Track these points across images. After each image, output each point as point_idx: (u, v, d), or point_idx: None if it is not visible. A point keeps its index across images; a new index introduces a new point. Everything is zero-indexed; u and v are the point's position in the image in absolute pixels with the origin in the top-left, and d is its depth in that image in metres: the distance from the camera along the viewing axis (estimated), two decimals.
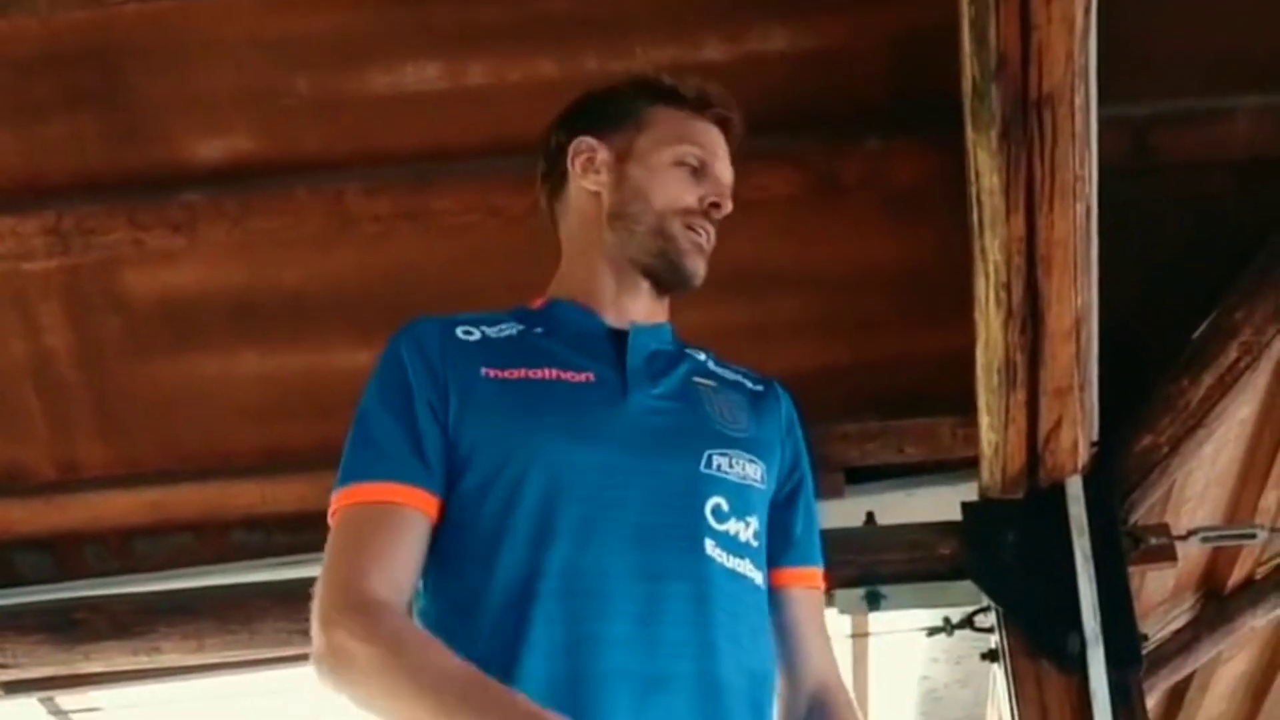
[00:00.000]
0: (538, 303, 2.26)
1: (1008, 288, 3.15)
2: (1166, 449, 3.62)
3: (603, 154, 2.25)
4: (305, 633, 3.75)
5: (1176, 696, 5.52)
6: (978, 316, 3.27)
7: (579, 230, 2.28)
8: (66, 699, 4.58)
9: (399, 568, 1.97)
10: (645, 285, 2.21)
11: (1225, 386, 3.54)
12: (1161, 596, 4.75)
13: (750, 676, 2.03)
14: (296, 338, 3.75)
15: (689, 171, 2.22)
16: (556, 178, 2.32)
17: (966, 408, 3.54)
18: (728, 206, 2.24)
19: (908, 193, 3.55)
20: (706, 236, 2.21)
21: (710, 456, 2.08)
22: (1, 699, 4.17)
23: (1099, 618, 3.47)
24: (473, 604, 1.96)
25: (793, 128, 3.46)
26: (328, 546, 2.02)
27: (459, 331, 2.15)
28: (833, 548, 3.55)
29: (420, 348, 2.11)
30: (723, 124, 2.31)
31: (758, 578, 2.09)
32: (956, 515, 3.70)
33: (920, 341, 3.71)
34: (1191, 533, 3.84)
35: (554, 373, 2.09)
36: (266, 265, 3.65)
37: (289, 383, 3.80)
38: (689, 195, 2.21)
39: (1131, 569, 3.72)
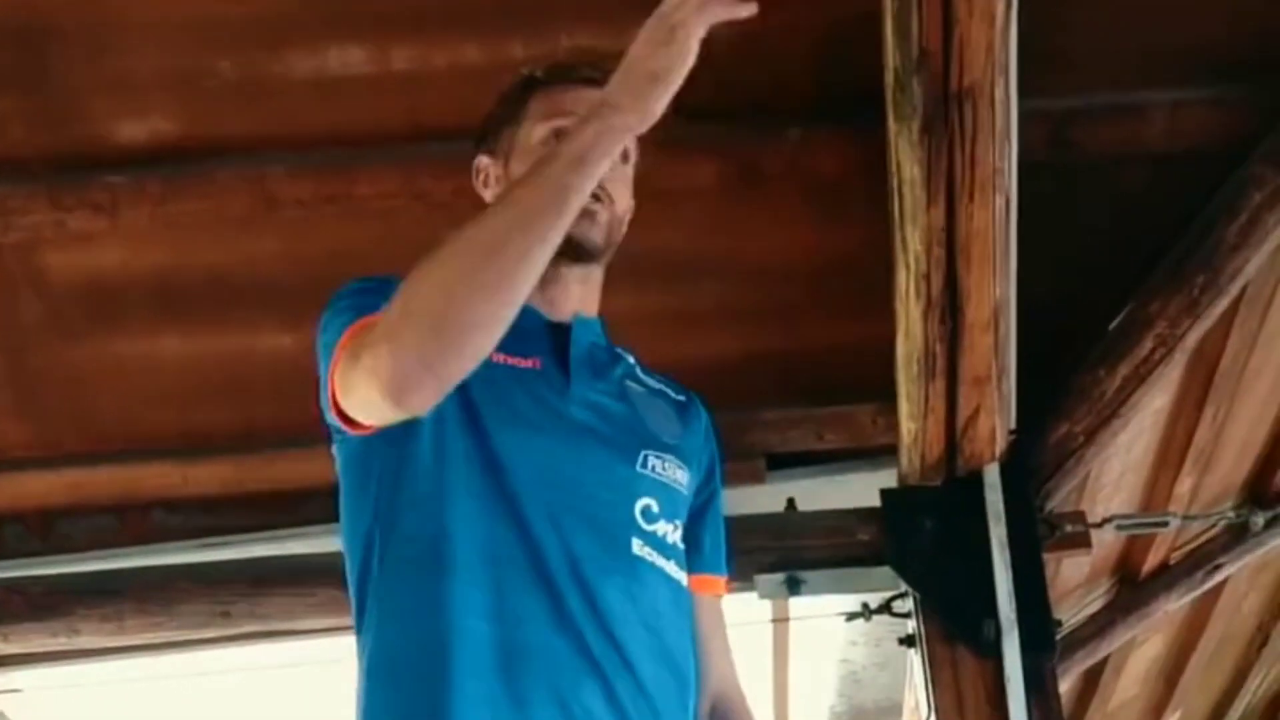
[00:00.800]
0: None
1: (927, 278, 3.19)
2: (1082, 438, 3.67)
3: (493, 168, 2.29)
4: (226, 615, 3.79)
5: (1091, 679, 5.58)
6: (898, 306, 3.30)
7: None
8: None
9: None
10: (559, 269, 2.17)
11: (1140, 377, 3.59)
12: (1077, 581, 4.80)
13: (675, 672, 2.08)
14: (219, 320, 3.74)
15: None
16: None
17: (887, 396, 3.58)
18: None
19: (830, 183, 3.57)
20: (595, 200, 2.14)
21: (646, 457, 2.13)
22: None
23: (1014, 604, 3.51)
24: (418, 555, 2.01)
25: (715, 118, 3.46)
26: (342, 360, 2.00)
27: None
28: (753, 533, 3.62)
29: (383, 293, 2.07)
30: (594, 83, 2.25)
31: (683, 579, 2.14)
32: (876, 502, 3.74)
33: (841, 330, 3.74)
34: (1106, 520, 3.90)
35: (502, 357, 2.09)
36: (189, 248, 3.63)
37: (211, 365, 3.79)
38: None
39: (1047, 555, 3.78)
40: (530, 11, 3.34)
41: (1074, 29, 3.38)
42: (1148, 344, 3.56)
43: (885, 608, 3.81)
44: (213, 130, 3.50)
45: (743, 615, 3.78)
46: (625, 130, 1.89)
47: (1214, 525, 4.63)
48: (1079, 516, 3.81)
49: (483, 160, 2.31)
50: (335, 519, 2.20)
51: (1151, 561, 4.87)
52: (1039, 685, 3.50)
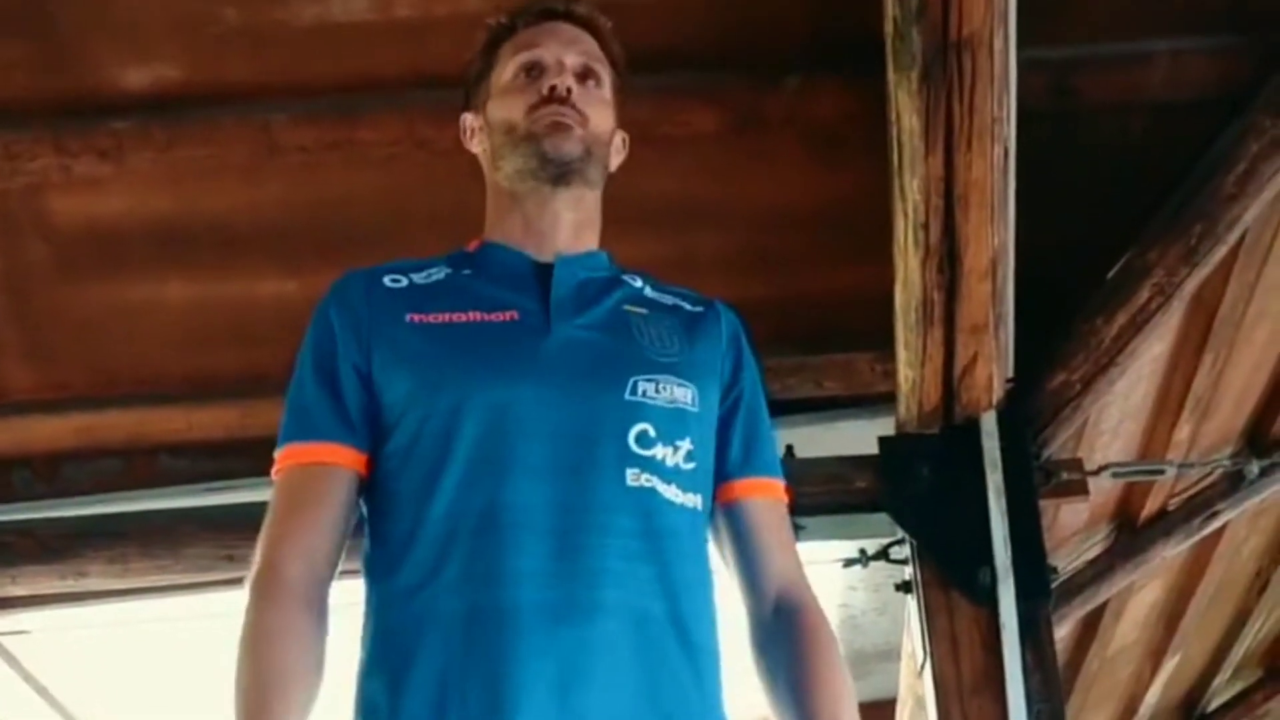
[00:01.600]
0: (473, 245, 2.27)
1: (926, 227, 3.20)
2: (1080, 386, 3.68)
3: (474, 121, 2.31)
4: (230, 558, 3.82)
5: (1091, 624, 5.63)
6: (896, 255, 3.32)
7: (488, 186, 2.30)
8: None
9: (314, 532, 2.04)
10: (544, 195, 2.20)
11: (1138, 326, 3.60)
12: (1076, 527, 4.83)
13: (676, 600, 2.03)
14: (223, 266, 3.77)
15: (528, 78, 2.23)
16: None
17: (885, 344, 3.60)
18: (568, 81, 2.21)
19: (829, 131, 3.59)
20: (565, 115, 2.18)
21: (636, 383, 2.08)
22: None
23: (1010, 551, 3.54)
24: (400, 549, 2.01)
25: (715, 65, 3.50)
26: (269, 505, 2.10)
27: (387, 280, 2.17)
28: None
29: (345, 303, 2.15)
30: (555, 16, 2.30)
31: (690, 501, 2.09)
32: (874, 449, 3.76)
33: (840, 278, 3.76)
34: (1103, 468, 3.93)
35: (477, 315, 2.11)
36: (193, 193, 3.66)
37: (215, 310, 3.82)
38: (531, 95, 2.21)
39: (1045, 502, 3.80)
40: None
41: None
42: (1145, 292, 3.57)
43: (882, 554, 3.84)
44: (217, 77, 3.52)
45: None
46: None
47: (1211, 473, 4.65)
48: (1076, 464, 3.83)
49: (466, 118, 2.33)
50: None
51: (1150, 508, 4.90)
52: (1034, 632, 3.54)
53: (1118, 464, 4.04)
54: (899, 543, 3.77)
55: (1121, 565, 5.02)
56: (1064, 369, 3.68)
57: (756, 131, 3.59)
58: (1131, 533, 5.01)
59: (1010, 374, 3.64)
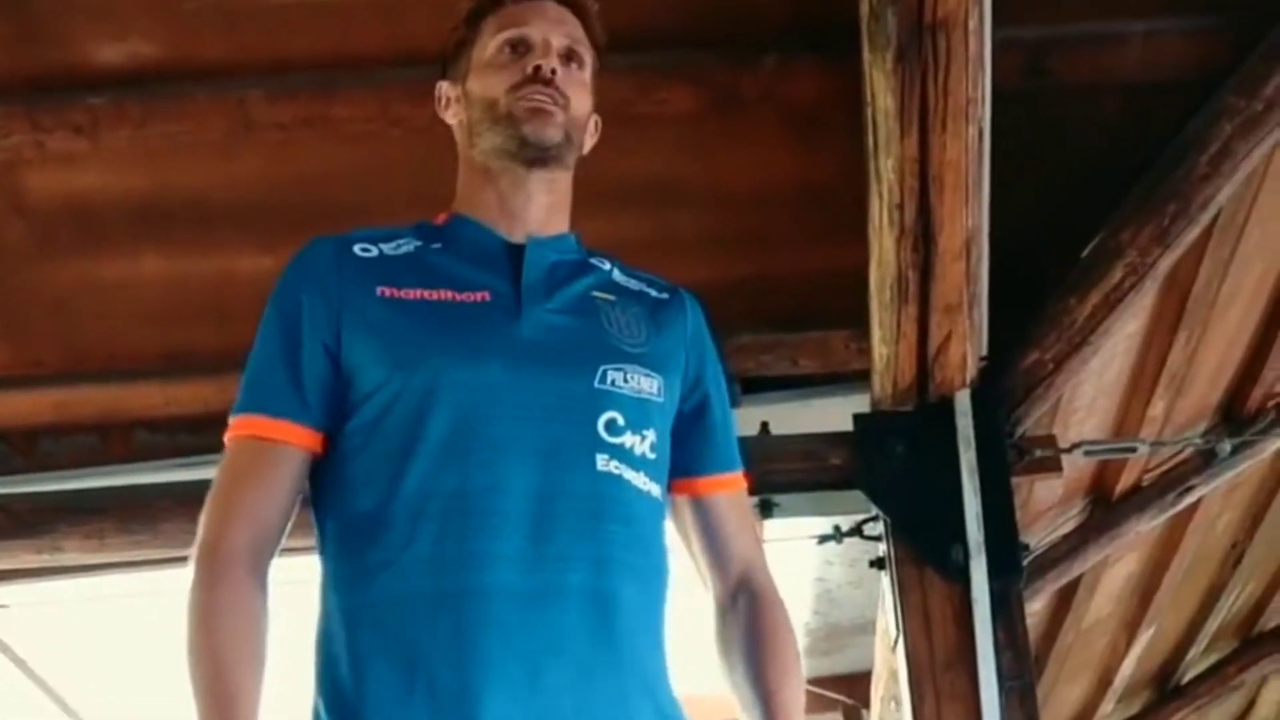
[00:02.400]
0: (441, 217, 2.26)
1: (901, 207, 3.22)
2: (1053, 365, 3.70)
3: (451, 91, 2.29)
4: None
5: (1065, 597, 5.66)
6: (871, 234, 3.33)
7: (460, 158, 2.29)
8: None
9: (260, 508, 2.05)
10: (520, 176, 2.19)
11: (1110, 305, 3.62)
12: (1050, 502, 4.86)
13: (642, 587, 2.06)
14: (199, 242, 3.77)
15: (512, 55, 2.22)
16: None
17: (860, 322, 3.62)
18: (553, 63, 2.20)
19: (806, 110, 3.59)
20: (548, 98, 2.18)
21: (605, 372, 2.09)
22: None
23: (982, 529, 3.56)
24: (366, 526, 2.00)
25: (693, 44, 3.51)
26: (214, 476, 2.10)
27: (356, 249, 2.16)
28: None
29: (312, 271, 2.13)
30: None
31: (654, 490, 2.11)
32: (849, 426, 3.78)
33: (816, 256, 3.77)
34: (1075, 445, 3.94)
35: (449, 294, 2.10)
36: (169, 170, 3.65)
37: (192, 286, 3.82)
38: (514, 73, 2.20)
39: (1019, 479, 3.83)
40: None
41: None
42: (1118, 272, 3.59)
43: (856, 531, 3.86)
44: (192, 53, 3.51)
45: None
46: None
47: (1183, 450, 4.68)
48: (1049, 441, 3.85)
49: (443, 86, 2.32)
50: None
51: (1124, 483, 4.93)
52: (1005, 609, 3.56)
53: (1090, 442, 4.06)
54: (873, 519, 3.79)
55: (1096, 539, 5.06)
56: (1037, 348, 3.70)
57: (734, 111, 3.59)
58: (1106, 507, 5.04)
59: (984, 352, 3.66)
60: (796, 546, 4.37)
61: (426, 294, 2.11)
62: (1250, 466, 4.96)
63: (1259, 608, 6.88)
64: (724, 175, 3.70)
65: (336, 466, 2.07)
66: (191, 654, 1.97)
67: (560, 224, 2.26)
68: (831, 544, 4.13)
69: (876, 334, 3.53)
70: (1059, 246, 3.69)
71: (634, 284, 2.27)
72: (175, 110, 3.55)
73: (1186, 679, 7.13)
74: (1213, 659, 7.09)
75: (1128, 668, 6.52)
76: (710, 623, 2.20)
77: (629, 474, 2.07)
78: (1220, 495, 5.42)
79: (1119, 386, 4.53)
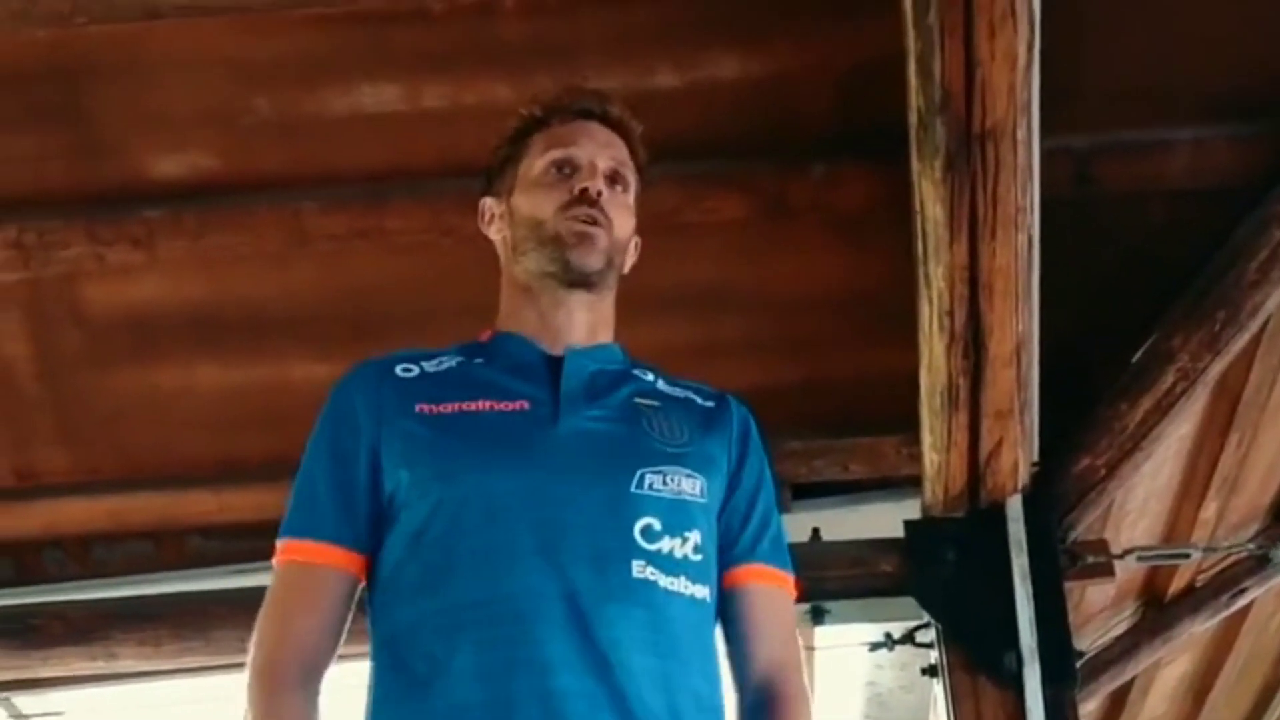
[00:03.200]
0: (485, 335, 2.29)
1: (951, 314, 3.23)
2: (1104, 470, 3.69)
3: (496, 206, 2.32)
4: None
5: (1119, 698, 5.60)
6: (921, 341, 3.35)
7: (503, 273, 2.33)
8: (27, 702, 4.63)
9: (311, 634, 2.10)
10: (561, 296, 2.22)
11: (1162, 410, 3.62)
12: (1103, 604, 4.83)
13: (679, 693, 2.05)
14: (254, 351, 3.82)
15: (559, 175, 2.24)
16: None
17: (911, 427, 3.62)
18: (599, 185, 2.23)
19: (854, 217, 3.62)
20: (593, 221, 2.21)
21: (643, 475, 2.10)
22: None
23: (1035, 635, 3.54)
24: (411, 637, 2.03)
25: (742, 153, 3.55)
26: (265, 598, 2.15)
27: (398, 370, 2.20)
28: None
29: (355, 394, 2.17)
30: (591, 116, 2.31)
31: (699, 592, 2.10)
32: (900, 532, 3.77)
33: (866, 362, 3.78)
34: (1128, 551, 3.93)
35: (487, 404, 2.13)
36: (225, 280, 3.71)
37: (246, 395, 3.86)
38: (562, 193, 2.22)
39: (1071, 583, 3.81)
40: (558, 51, 3.41)
41: (1096, 67, 3.43)
42: (1169, 377, 3.59)
43: (908, 638, 3.85)
44: (248, 166, 3.58)
45: None
46: None
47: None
48: (1101, 546, 3.84)
49: (486, 201, 2.35)
50: None
51: (1177, 585, 4.89)
52: (1059, 715, 3.53)
53: (1143, 548, 4.05)
54: (925, 626, 3.78)
55: (1149, 641, 5.01)
56: (1089, 453, 3.69)
57: (782, 218, 3.63)
58: (1159, 609, 5.00)
59: (1035, 458, 3.65)
60: (846, 654, 4.35)
61: (464, 406, 2.14)
62: None
63: None
64: (773, 281, 3.73)
65: (384, 579, 2.10)
66: None
67: (604, 337, 2.28)
68: (885, 648, 4.11)
69: (927, 440, 3.54)
70: (1108, 351, 3.70)
71: (679, 391, 2.29)
72: (231, 222, 3.62)
73: None
74: None
75: None
76: None
77: (666, 580, 2.07)
78: (1274, 596, 5.35)
79: (1171, 490, 4.51)
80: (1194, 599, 4.90)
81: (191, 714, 4.60)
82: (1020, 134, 2.95)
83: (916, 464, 3.69)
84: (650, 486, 2.10)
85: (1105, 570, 3.81)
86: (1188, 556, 4.16)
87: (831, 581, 3.75)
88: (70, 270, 3.67)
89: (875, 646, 3.97)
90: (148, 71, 3.46)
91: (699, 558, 2.11)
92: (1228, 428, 4.23)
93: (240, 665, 3.94)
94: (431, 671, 1.99)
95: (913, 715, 5.11)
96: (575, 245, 2.19)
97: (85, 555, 4.10)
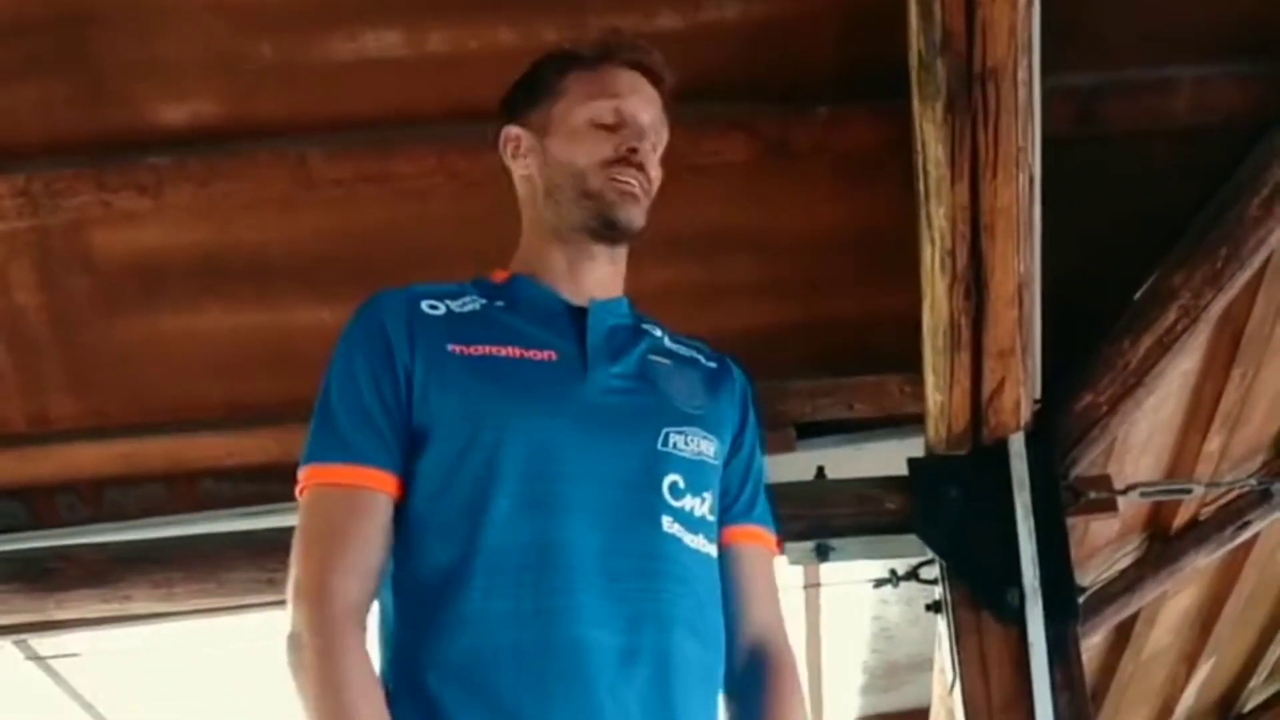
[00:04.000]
0: (500, 276, 2.29)
1: (952, 254, 3.25)
2: (1106, 407, 3.70)
3: (526, 139, 2.30)
4: (271, 582, 3.88)
5: (1124, 630, 5.64)
6: (924, 281, 3.36)
7: (525, 211, 2.32)
8: (43, 644, 4.68)
9: (365, 556, 2.04)
10: (594, 249, 2.23)
11: (1164, 347, 3.62)
12: (1108, 538, 4.86)
13: (703, 648, 2.10)
14: (260, 296, 3.83)
15: (604, 127, 2.23)
16: (505, 166, 2.37)
17: (914, 366, 3.64)
18: (647, 147, 2.24)
19: (858, 159, 3.62)
20: (637, 183, 2.21)
21: (668, 434, 2.13)
22: None
23: (1038, 572, 3.56)
24: (441, 580, 2.03)
25: (746, 95, 3.55)
26: (299, 526, 2.09)
27: (424, 305, 2.18)
28: (783, 501, 3.65)
29: (385, 319, 2.15)
30: (636, 66, 2.30)
31: (712, 551, 2.15)
32: (904, 470, 3.79)
33: (869, 302, 3.79)
34: (1131, 487, 3.94)
35: (517, 351, 2.14)
36: (231, 226, 3.72)
37: (253, 339, 3.88)
38: (606, 148, 2.21)
39: (1075, 519, 3.83)
40: None
41: (1097, 6, 3.43)
42: (1171, 314, 3.60)
43: (912, 575, 3.88)
44: (252, 112, 3.58)
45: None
46: None
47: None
48: (1104, 482, 3.85)
49: (513, 130, 2.32)
50: None
51: (1181, 518, 4.92)
52: (1062, 651, 3.56)
53: (1145, 484, 4.06)
54: (928, 563, 3.81)
55: (1154, 574, 5.04)
56: (1091, 390, 3.70)
57: (787, 160, 3.63)
58: (1164, 542, 5.03)
59: (1038, 396, 3.67)
60: (851, 590, 4.39)
61: (493, 350, 2.14)
62: None
63: None
64: (777, 223, 3.74)
65: (407, 520, 2.09)
66: (319, 702, 1.96)
67: (617, 288, 2.30)
68: (890, 584, 4.15)
69: (930, 380, 3.55)
70: (1111, 290, 3.71)
71: (685, 350, 2.31)
72: (236, 168, 3.62)
73: (1248, 708, 7.09)
74: (1274, 688, 7.04)
75: (1188, 698, 6.50)
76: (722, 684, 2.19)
77: (689, 536, 2.11)
78: (1278, 528, 5.39)
79: (1174, 424, 4.53)
80: (1198, 532, 4.93)
81: (204, 652, 4.66)
82: (1021, 73, 2.96)
83: (920, 403, 3.71)
84: (674, 445, 2.13)
85: (1108, 506, 3.83)
86: (1190, 491, 4.18)
87: (836, 519, 3.77)
88: (78, 218, 3.68)
89: (880, 583, 4.00)
90: (151, 18, 3.45)
91: (711, 518, 2.16)
92: (1230, 363, 4.25)
93: (252, 605, 4.02)
94: (465, 615, 2.01)
95: (919, 649, 5.18)
96: (619, 203, 2.20)
97: (98, 499, 4.12)
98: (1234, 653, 6.54)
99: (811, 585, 4.50)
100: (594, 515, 2.05)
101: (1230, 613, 5.91)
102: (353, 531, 2.05)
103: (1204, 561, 5.06)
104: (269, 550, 3.85)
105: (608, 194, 2.20)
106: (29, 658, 4.76)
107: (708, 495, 2.15)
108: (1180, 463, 4.66)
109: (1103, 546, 4.91)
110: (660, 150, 2.31)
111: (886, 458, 3.85)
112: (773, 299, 3.81)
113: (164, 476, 4.11)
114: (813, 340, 3.84)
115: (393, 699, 2.01)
